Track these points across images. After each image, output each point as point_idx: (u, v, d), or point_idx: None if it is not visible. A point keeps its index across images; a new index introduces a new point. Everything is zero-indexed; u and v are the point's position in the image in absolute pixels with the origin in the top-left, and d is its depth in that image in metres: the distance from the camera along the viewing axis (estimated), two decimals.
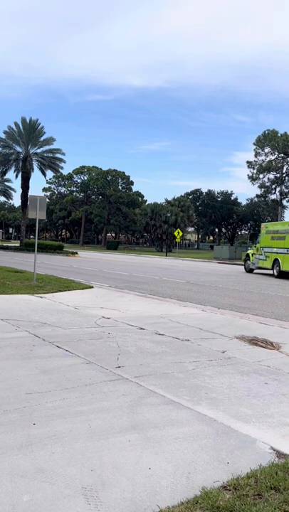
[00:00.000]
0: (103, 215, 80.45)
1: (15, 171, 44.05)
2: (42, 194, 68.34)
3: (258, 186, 50.15)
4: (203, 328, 7.49)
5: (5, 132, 42.55)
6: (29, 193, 40.77)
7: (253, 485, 2.60)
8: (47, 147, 43.47)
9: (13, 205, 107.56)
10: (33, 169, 43.41)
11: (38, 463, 2.73)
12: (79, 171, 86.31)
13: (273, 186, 49.99)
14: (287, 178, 49.31)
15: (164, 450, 2.99)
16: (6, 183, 63.78)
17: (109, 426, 3.33)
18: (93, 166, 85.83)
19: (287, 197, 51.23)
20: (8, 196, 69.32)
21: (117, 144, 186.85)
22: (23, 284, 12.26)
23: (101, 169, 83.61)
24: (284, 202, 53.06)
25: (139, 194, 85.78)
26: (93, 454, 2.89)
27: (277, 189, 50.23)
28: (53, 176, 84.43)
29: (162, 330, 7.10)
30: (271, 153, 48.34)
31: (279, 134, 46.97)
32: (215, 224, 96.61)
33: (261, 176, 49.18)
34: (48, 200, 57.92)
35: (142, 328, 7.15)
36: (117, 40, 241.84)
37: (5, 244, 48.16)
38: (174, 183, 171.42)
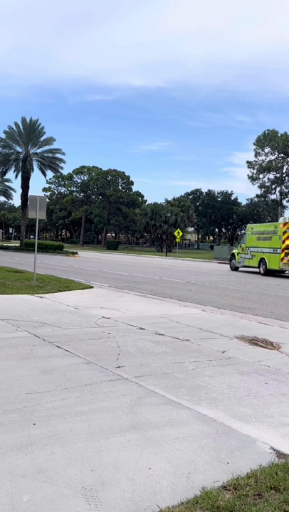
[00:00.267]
0: (103, 215, 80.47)
1: (15, 171, 44.14)
2: (42, 194, 68.36)
3: (258, 186, 50.22)
4: (203, 328, 7.49)
5: (5, 132, 42.61)
6: (29, 193, 40.82)
7: (253, 485, 2.59)
8: (47, 147, 43.57)
9: (13, 205, 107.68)
10: (33, 169, 43.46)
11: (38, 463, 2.73)
12: (79, 171, 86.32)
13: (273, 186, 50.03)
14: (287, 178, 49.33)
15: (164, 450, 2.99)
16: (6, 183, 63.85)
17: (109, 426, 3.33)
18: (93, 166, 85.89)
19: (287, 197, 51.27)
20: (8, 196, 69.39)
21: (117, 144, 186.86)
22: (23, 284, 12.26)
23: (101, 169, 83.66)
24: (284, 202, 53.11)
25: (139, 194, 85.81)
26: (93, 454, 2.89)
27: (277, 189, 50.28)
28: (53, 176, 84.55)
29: (162, 330, 7.10)
30: (271, 153, 48.40)
31: (279, 134, 47.01)
32: (215, 224, 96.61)
33: (261, 175, 49.24)
34: (48, 200, 57.89)
35: (142, 328, 7.15)
36: (117, 40, 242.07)
37: (5, 244, 48.17)
38: (174, 183, 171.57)
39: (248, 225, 26.04)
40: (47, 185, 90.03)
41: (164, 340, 6.40)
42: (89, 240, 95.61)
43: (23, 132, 42.70)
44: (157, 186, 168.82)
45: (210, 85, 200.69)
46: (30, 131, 42.54)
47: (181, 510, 2.32)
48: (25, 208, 40.48)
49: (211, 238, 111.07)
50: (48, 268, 20.00)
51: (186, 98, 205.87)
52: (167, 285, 15.12)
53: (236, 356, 5.68)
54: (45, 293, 10.93)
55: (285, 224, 21.38)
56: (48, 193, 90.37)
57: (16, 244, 49.74)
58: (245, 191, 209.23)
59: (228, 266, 27.42)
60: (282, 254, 20.91)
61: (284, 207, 55.01)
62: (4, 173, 44.86)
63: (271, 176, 49.53)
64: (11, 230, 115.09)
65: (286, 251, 20.87)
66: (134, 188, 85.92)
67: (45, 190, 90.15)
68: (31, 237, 78.46)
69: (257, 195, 55.23)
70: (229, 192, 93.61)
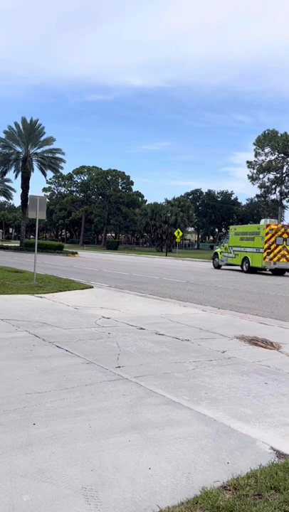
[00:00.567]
0: (103, 215, 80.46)
1: (15, 171, 44.16)
2: (42, 194, 68.41)
3: (258, 186, 50.23)
4: (203, 328, 7.49)
5: (5, 132, 42.61)
6: (29, 193, 40.84)
7: (253, 485, 2.59)
8: (47, 147, 43.57)
9: (13, 205, 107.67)
10: (33, 169, 43.47)
11: (38, 463, 2.73)
12: (79, 171, 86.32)
13: (273, 186, 50.03)
14: (287, 178, 49.33)
15: (164, 450, 2.99)
16: (6, 183, 63.82)
17: (109, 426, 3.33)
18: (93, 166, 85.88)
19: (287, 197, 51.27)
20: (8, 196, 69.36)
21: (117, 144, 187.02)
22: (23, 284, 12.26)
23: (101, 169, 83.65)
24: (284, 202, 53.12)
25: (139, 194, 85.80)
26: (93, 454, 2.89)
27: (277, 189, 50.29)
28: (53, 176, 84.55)
29: (162, 330, 7.10)
30: (271, 153, 48.40)
31: (279, 134, 47.00)
32: (215, 224, 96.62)
33: (261, 176, 49.25)
34: (48, 200, 57.90)
35: (142, 328, 7.15)
36: (117, 40, 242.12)
37: (5, 245, 48.16)
38: (174, 183, 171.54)
39: (231, 226, 28.02)
40: (47, 185, 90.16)
41: (164, 340, 6.40)
42: (89, 240, 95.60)
43: (23, 132, 42.70)
44: (157, 186, 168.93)
45: (210, 85, 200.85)
46: (30, 131, 42.54)
47: (181, 510, 2.32)
48: (25, 208, 40.49)
49: (211, 238, 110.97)
50: (48, 268, 20.00)
51: (186, 98, 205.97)
52: (167, 285, 15.12)
53: (236, 356, 5.68)
54: (45, 293, 10.93)
55: (267, 226, 23.56)
56: (48, 193, 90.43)
57: (16, 244, 49.75)
58: (245, 191, 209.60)
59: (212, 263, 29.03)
60: (265, 254, 23.05)
61: (284, 207, 55.04)
62: (4, 173, 44.89)
63: (271, 175, 49.56)
64: (11, 230, 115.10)
65: (268, 250, 23.06)
66: (134, 188, 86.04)
67: (45, 190, 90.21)
68: (31, 237, 78.46)
69: (257, 195, 55.27)
70: (229, 192, 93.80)
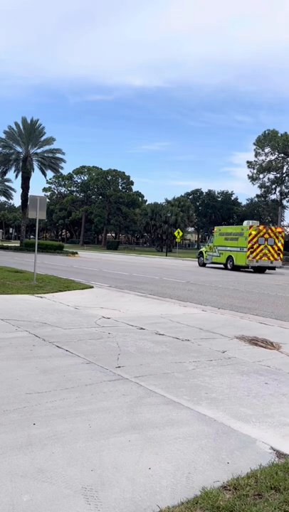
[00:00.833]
0: (103, 215, 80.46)
1: (15, 171, 44.13)
2: (42, 194, 68.36)
3: (258, 186, 50.16)
4: (203, 328, 7.49)
5: (5, 132, 42.59)
6: (29, 193, 40.80)
7: (253, 485, 2.59)
8: (47, 147, 43.54)
9: (13, 205, 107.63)
10: (33, 169, 43.45)
11: (38, 463, 2.73)
12: (79, 171, 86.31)
13: (273, 186, 49.99)
14: (287, 178, 49.30)
15: (164, 450, 2.99)
16: (6, 183, 63.94)
17: (109, 426, 3.33)
18: (93, 166, 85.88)
19: (287, 197, 51.24)
20: (8, 196, 69.47)
21: (117, 144, 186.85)
22: (23, 284, 12.26)
23: (101, 169, 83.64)
24: (284, 202, 53.10)
25: (139, 194, 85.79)
26: (93, 454, 2.89)
27: (277, 189, 50.24)
28: (53, 176, 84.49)
29: (162, 330, 7.10)
30: (271, 153, 48.34)
31: (279, 134, 46.95)
32: (215, 224, 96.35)
33: (261, 175, 49.18)
34: (48, 200, 57.81)
35: (142, 328, 7.15)
36: (117, 41, 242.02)
37: (5, 244, 48.15)
38: (174, 183, 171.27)
39: (216, 227, 29.69)
40: (47, 185, 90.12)
41: (164, 340, 6.40)
42: (89, 240, 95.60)
43: (23, 132, 42.69)
44: (157, 186, 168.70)
45: (210, 85, 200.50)
46: (30, 131, 42.54)
47: (181, 510, 2.32)
48: (26, 208, 40.47)
49: None
50: (48, 268, 20.00)
51: (186, 98, 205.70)
52: (167, 285, 15.12)
53: (236, 356, 5.68)
54: (45, 293, 10.93)
55: (250, 227, 25.37)
56: (48, 193, 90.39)
57: (16, 244, 49.74)
58: (245, 191, 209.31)
59: (197, 262, 30.90)
60: (248, 253, 24.88)
61: (284, 207, 55.02)
62: (4, 173, 44.88)
63: (271, 176, 49.49)
64: (11, 230, 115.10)
65: (251, 250, 24.89)
66: (134, 188, 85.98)
67: (45, 190, 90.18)
68: (31, 237, 78.46)
69: (257, 195, 55.19)
70: (229, 192, 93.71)
